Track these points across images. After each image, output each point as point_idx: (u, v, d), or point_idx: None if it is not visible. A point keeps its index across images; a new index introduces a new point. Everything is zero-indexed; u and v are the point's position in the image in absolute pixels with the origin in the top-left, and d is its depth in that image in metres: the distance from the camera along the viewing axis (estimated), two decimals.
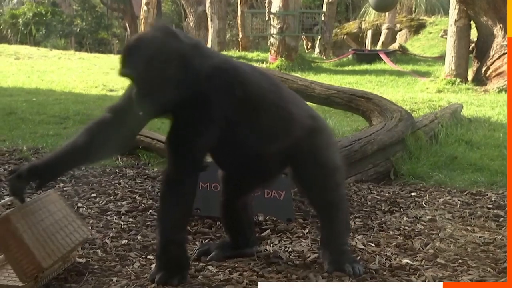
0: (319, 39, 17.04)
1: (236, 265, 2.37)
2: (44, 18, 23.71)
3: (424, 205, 3.39)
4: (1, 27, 23.28)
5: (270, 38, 14.34)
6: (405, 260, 2.44)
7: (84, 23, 24.63)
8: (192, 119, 2.10)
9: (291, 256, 2.51)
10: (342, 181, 2.48)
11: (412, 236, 2.80)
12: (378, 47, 17.83)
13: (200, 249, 2.53)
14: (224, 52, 15.80)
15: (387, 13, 18.13)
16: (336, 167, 2.37)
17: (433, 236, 2.80)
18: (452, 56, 10.56)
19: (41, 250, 2.08)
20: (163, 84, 2.07)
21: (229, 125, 2.15)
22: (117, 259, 2.43)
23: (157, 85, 2.07)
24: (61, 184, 3.68)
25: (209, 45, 15.82)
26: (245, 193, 2.54)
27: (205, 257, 2.46)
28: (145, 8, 17.25)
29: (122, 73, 2.08)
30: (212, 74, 2.09)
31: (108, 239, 2.68)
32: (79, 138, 2.21)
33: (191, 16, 17.11)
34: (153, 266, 2.36)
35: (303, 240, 2.72)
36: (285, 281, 2.20)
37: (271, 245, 2.67)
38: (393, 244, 2.66)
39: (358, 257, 2.45)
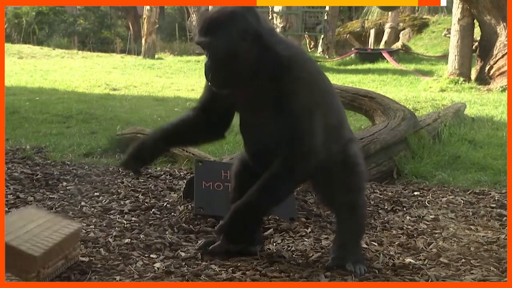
0: (322, 38, 17.04)
1: (239, 264, 2.36)
2: (47, 17, 23.74)
3: (427, 204, 3.38)
4: (5, 26, 23.31)
5: None
6: (408, 260, 2.45)
7: (87, 22, 24.64)
8: (298, 108, 2.11)
9: (294, 255, 2.51)
10: (365, 187, 2.49)
11: (415, 235, 2.80)
12: (381, 46, 17.81)
13: (206, 240, 2.55)
14: None
15: (390, 12, 18.10)
16: (362, 172, 2.38)
17: (436, 235, 2.80)
18: (455, 55, 10.55)
19: (29, 245, 2.10)
20: (236, 59, 2.11)
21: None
22: (120, 258, 2.44)
23: (230, 61, 2.11)
24: (64, 183, 3.69)
25: None
26: None
27: (208, 256, 2.46)
28: (148, 7, 17.24)
29: (198, 42, 2.15)
30: (299, 63, 2.13)
31: (111, 238, 2.68)
32: (190, 120, 2.36)
33: (194, 15, 17.09)
34: (156, 265, 2.37)
35: (306, 239, 2.72)
36: (288, 280, 2.21)
37: (274, 244, 2.67)
38: (396, 243, 2.66)
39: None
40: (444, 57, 13.47)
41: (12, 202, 3.24)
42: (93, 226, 2.85)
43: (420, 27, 19.39)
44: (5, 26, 23.21)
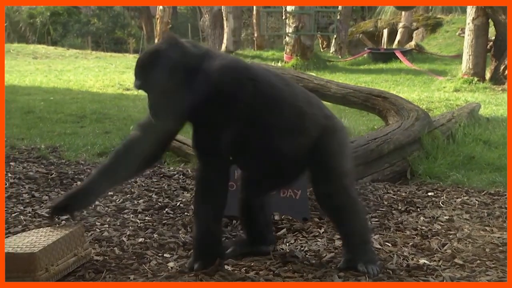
0: (335, 38, 16.98)
1: (252, 264, 2.37)
2: (61, 17, 23.93)
3: (442, 205, 3.36)
4: (20, 26, 23.55)
5: (285, 37, 14.32)
6: (422, 260, 2.43)
7: (100, 23, 24.80)
8: (210, 118, 2.20)
9: (307, 255, 2.51)
10: (351, 184, 2.46)
11: (429, 236, 2.78)
12: (394, 46, 17.70)
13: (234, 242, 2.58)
14: (239, 51, 15.83)
15: (403, 12, 17.98)
16: (344, 171, 2.37)
17: (451, 236, 2.78)
18: (469, 55, 10.46)
19: (27, 248, 2.12)
20: (173, 94, 2.18)
21: (243, 124, 2.23)
22: (134, 257, 2.45)
23: (166, 96, 2.18)
24: (79, 183, 3.71)
25: (224, 44, 15.86)
26: (264, 192, 2.56)
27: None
28: (160, 7, 17.32)
29: (134, 86, 2.24)
30: (222, 72, 2.18)
31: (125, 237, 2.70)
32: (110, 162, 2.39)
33: (207, 15, 17.12)
34: (169, 264, 2.38)
35: (319, 240, 2.71)
36: (301, 281, 2.20)
37: (287, 244, 2.67)
38: (410, 244, 2.65)
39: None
40: (458, 57, 13.35)
41: (28, 201, 3.27)
42: (107, 225, 2.87)
43: (434, 26, 19.25)
44: (20, 26, 23.44)
